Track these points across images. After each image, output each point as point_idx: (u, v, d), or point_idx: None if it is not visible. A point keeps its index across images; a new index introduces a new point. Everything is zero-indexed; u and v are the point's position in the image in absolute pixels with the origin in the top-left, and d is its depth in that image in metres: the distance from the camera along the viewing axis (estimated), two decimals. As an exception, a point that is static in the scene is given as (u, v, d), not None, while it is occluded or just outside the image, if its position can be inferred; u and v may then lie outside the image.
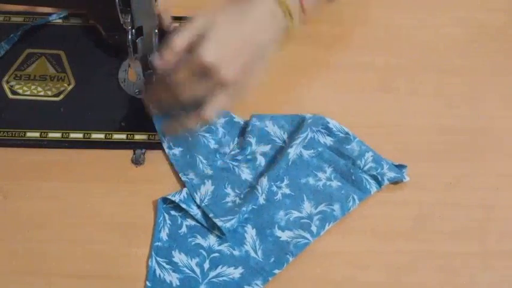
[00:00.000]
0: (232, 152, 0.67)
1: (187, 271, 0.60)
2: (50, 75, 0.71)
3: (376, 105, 0.72)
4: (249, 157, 0.67)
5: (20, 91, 0.70)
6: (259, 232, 0.63)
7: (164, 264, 0.61)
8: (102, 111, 0.70)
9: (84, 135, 0.68)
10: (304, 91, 0.73)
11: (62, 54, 0.73)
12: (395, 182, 0.66)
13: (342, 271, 0.63)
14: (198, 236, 0.62)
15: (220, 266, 0.61)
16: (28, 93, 0.70)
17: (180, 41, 0.57)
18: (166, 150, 0.67)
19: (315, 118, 0.68)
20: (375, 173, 0.65)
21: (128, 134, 0.68)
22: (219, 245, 0.62)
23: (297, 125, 0.68)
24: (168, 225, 0.63)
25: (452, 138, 0.70)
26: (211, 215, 0.62)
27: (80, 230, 0.63)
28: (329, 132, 0.68)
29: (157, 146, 0.68)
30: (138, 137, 0.68)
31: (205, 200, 0.63)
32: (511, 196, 0.68)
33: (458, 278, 0.63)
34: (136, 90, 0.71)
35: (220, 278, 0.60)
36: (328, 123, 0.68)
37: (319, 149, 0.67)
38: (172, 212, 0.64)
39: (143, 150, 0.68)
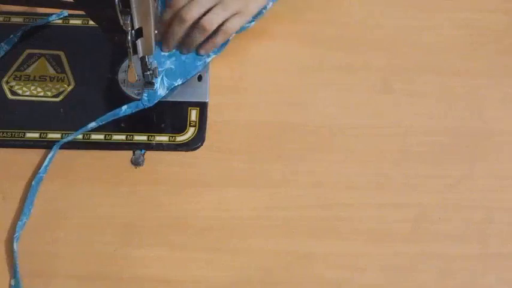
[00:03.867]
0: None
1: None
2: (49, 75, 0.71)
3: (376, 106, 0.72)
4: None
5: (20, 92, 0.70)
6: None
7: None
8: (101, 112, 0.70)
9: (83, 136, 0.68)
10: (305, 92, 0.73)
11: (62, 55, 0.73)
12: None
13: (340, 273, 0.63)
14: None
15: None
16: (28, 93, 0.70)
17: None
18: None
19: None
20: None
21: (127, 135, 0.68)
22: None
23: None
24: None
25: (453, 139, 0.70)
26: None
27: (80, 230, 0.64)
28: None
29: (157, 147, 0.68)
30: (138, 138, 0.68)
31: None
32: (511, 198, 0.68)
33: (458, 280, 0.63)
34: (136, 91, 0.71)
35: None
36: None
37: None
38: None
39: (142, 151, 0.68)
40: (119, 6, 0.56)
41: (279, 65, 0.74)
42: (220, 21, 0.69)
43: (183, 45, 0.71)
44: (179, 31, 0.70)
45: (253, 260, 0.63)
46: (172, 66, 0.71)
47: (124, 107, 0.68)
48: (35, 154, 0.67)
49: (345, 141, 0.70)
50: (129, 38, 0.60)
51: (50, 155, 0.66)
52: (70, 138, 0.67)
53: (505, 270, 0.64)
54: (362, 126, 0.71)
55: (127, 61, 0.69)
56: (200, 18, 0.69)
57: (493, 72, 0.75)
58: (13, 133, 0.68)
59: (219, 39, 0.71)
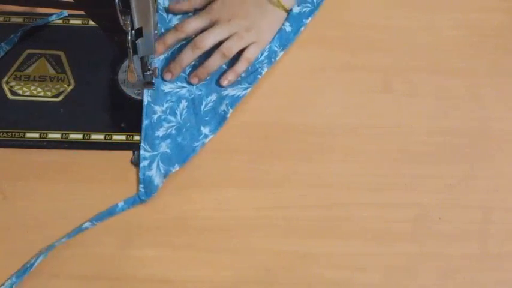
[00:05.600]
0: None
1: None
2: (49, 75, 0.71)
3: (376, 107, 0.72)
4: None
5: (20, 92, 0.70)
6: None
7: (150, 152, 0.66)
8: (101, 112, 0.70)
9: (83, 136, 0.68)
10: (305, 92, 0.73)
11: (62, 55, 0.73)
12: None
13: (340, 273, 0.63)
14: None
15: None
16: (28, 93, 0.70)
17: None
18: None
19: None
20: None
21: (127, 135, 0.68)
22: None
23: None
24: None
25: (452, 139, 0.70)
26: None
27: (80, 230, 0.64)
28: None
29: (157, 147, 0.68)
30: (138, 138, 0.68)
31: None
32: (511, 198, 0.68)
33: (458, 280, 0.63)
34: (136, 91, 0.71)
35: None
36: None
37: None
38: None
39: (143, 151, 0.68)
40: (119, 6, 0.56)
41: (279, 65, 0.74)
42: (238, 49, 0.71)
43: (196, 73, 0.71)
44: (190, 58, 0.71)
45: (254, 260, 0.63)
46: (168, 150, 0.67)
47: (120, 204, 0.64)
48: (35, 154, 0.67)
49: (345, 141, 0.70)
50: (129, 38, 0.60)
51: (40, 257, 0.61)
52: (63, 240, 0.62)
53: (505, 270, 0.64)
54: (362, 126, 0.71)
55: (127, 61, 0.69)
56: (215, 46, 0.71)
57: (493, 72, 0.75)
58: (13, 133, 0.68)
59: (241, 67, 0.71)
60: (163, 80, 0.71)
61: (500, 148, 0.70)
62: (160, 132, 0.68)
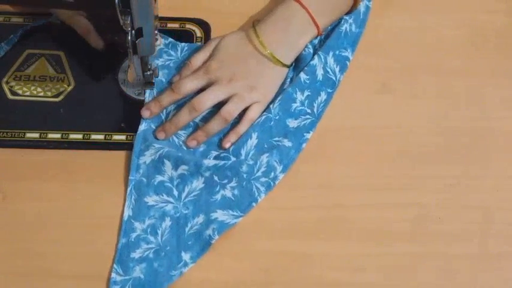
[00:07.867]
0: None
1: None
2: (49, 76, 0.71)
3: (377, 107, 0.72)
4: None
5: (20, 92, 0.70)
6: None
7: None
8: (101, 112, 0.70)
9: (83, 136, 0.68)
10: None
11: (62, 55, 0.73)
12: None
13: (340, 273, 0.63)
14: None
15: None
16: (28, 94, 0.70)
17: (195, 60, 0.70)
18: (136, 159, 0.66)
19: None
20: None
21: (127, 135, 0.68)
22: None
23: None
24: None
25: (453, 139, 0.70)
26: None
27: (80, 230, 0.64)
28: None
29: (157, 147, 0.68)
30: (138, 138, 0.68)
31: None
32: (511, 198, 0.68)
33: (458, 280, 0.63)
34: (136, 91, 0.71)
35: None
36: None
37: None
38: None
39: (143, 151, 0.68)
40: (119, 6, 0.56)
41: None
42: (239, 111, 0.67)
43: (195, 136, 0.67)
44: (187, 120, 0.67)
45: (254, 261, 0.63)
46: (142, 276, 0.61)
47: None
48: (35, 154, 0.67)
49: (344, 142, 0.70)
50: (129, 38, 0.60)
51: None
52: None
53: (505, 270, 0.64)
54: (362, 126, 0.70)
55: (127, 61, 0.69)
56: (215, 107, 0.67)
57: (493, 72, 0.75)
58: (13, 133, 0.68)
59: (243, 127, 0.67)
60: (156, 138, 0.67)
61: (500, 148, 0.70)
62: (137, 254, 0.62)
